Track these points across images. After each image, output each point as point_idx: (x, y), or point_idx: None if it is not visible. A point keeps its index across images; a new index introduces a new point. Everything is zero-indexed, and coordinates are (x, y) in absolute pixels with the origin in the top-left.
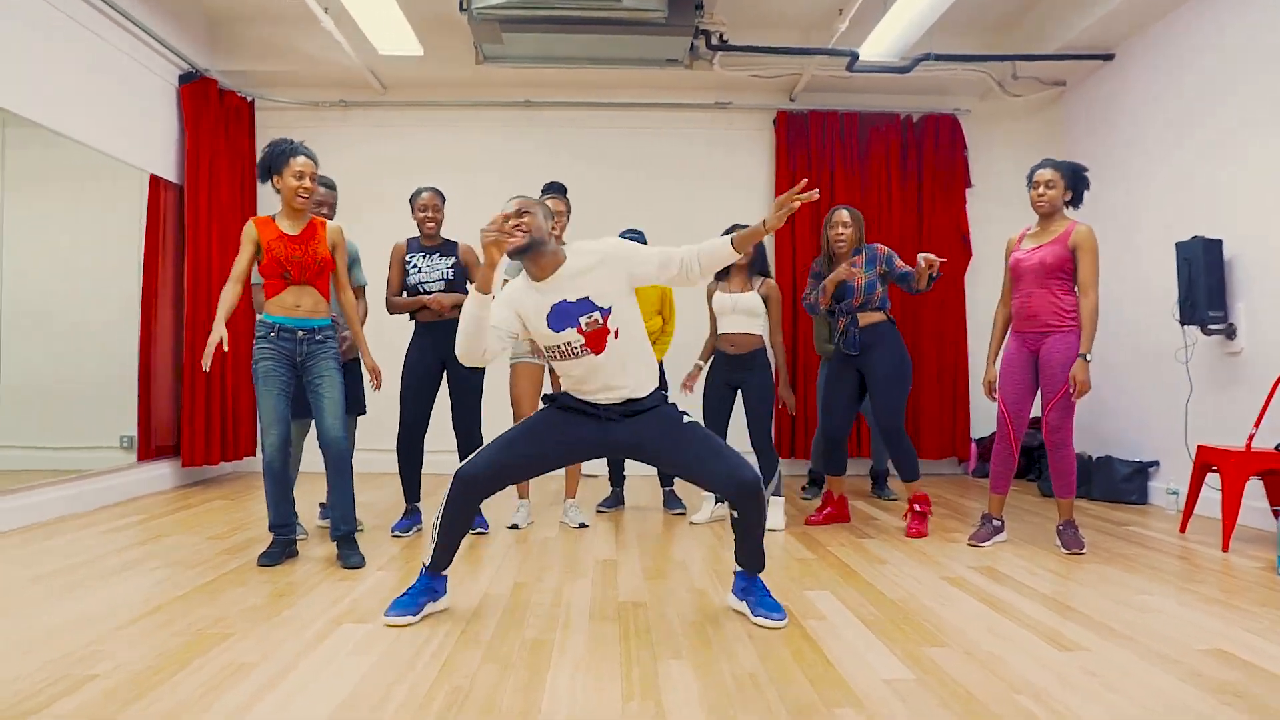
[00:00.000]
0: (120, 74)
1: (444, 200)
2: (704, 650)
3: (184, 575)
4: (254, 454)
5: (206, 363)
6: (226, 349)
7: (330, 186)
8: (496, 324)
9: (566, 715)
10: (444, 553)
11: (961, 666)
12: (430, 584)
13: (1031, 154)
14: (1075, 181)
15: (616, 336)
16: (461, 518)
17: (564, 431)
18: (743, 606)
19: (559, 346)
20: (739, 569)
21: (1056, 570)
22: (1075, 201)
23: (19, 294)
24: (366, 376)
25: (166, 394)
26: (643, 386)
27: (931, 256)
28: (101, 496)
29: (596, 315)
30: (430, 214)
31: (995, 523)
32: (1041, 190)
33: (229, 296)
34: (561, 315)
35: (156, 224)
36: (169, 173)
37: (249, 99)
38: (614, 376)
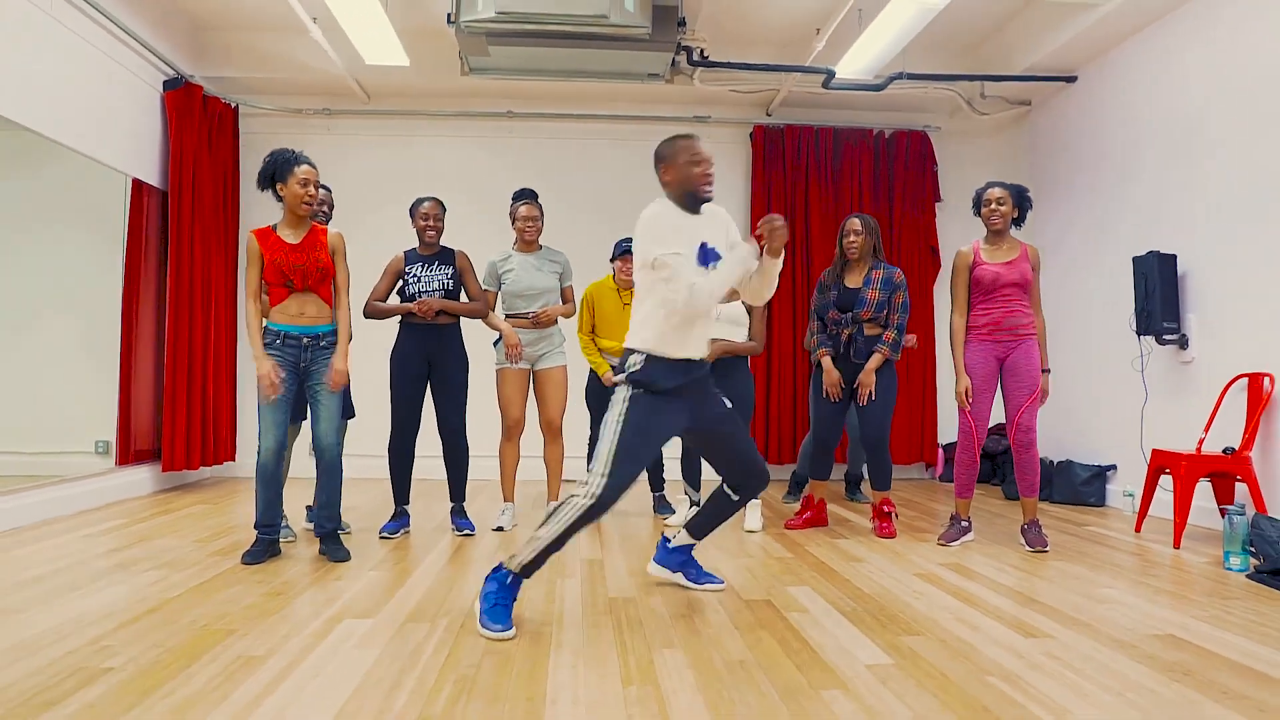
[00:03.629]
0: (104, 79)
1: (445, 210)
2: (694, 640)
3: (176, 576)
4: (234, 458)
5: (271, 396)
6: (278, 376)
7: (326, 188)
8: (684, 251)
9: (570, 700)
10: (544, 563)
11: (936, 653)
12: (516, 589)
13: (998, 170)
14: (1020, 201)
15: None
16: (580, 531)
17: (665, 420)
18: (677, 577)
19: None
20: (684, 541)
21: (1021, 567)
22: (1019, 220)
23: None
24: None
25: (147, 398)
26: (707, 346)
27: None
28: (80, 501)
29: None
30: (431, 223)
31: (963, 523)
32: (994, 207)
33: (253, 318)
34: (705, 254)
35: (139, 228)
36: (152, 178)
37: (233, 105)
38: (703, 328)
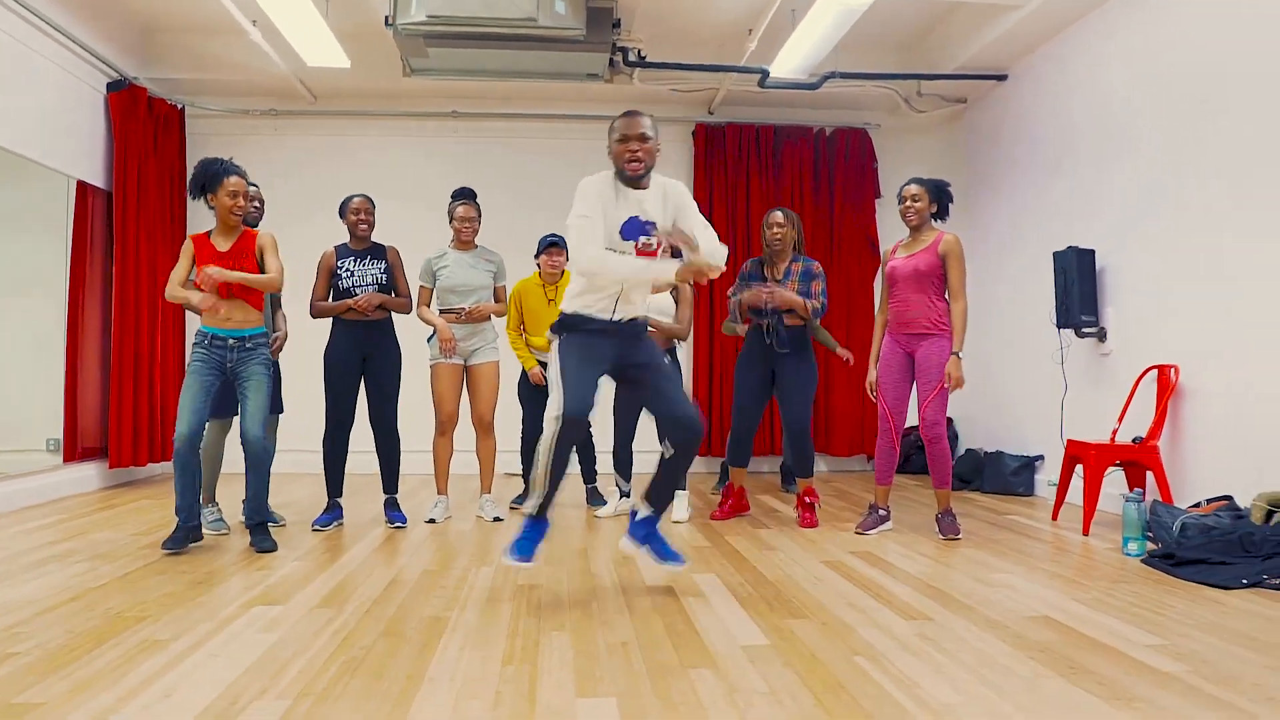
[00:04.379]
0: (46, 81)
1: (374, 206)
2: (585, 622)
3: (105, 567)
4: None
5: (207, 301)
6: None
7: (254, 185)
8: (591, 214)
9: (449, 678)
10: (551, 498)
11: (814, 635)
12: (541, 527)
13: (936, 167)
14: (939, 195)
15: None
16: (567, 456)
17: (595, 349)
18: (643, 551)
19: (613, 250)
20: (645, 512)
21: (930, 554)
22: (941, 214)
23: None
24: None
25: (94, 396)
26: (641, 309)
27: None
28: (26, 498)
29: (654, 240)
30: (363, 217)
31: (881, 512)
32: (908, 204)
33: (173, 297)
34: (632, 226)
35: (84, 230)
36: (96, 179)
37: (179, 106)
38: (639, 295)
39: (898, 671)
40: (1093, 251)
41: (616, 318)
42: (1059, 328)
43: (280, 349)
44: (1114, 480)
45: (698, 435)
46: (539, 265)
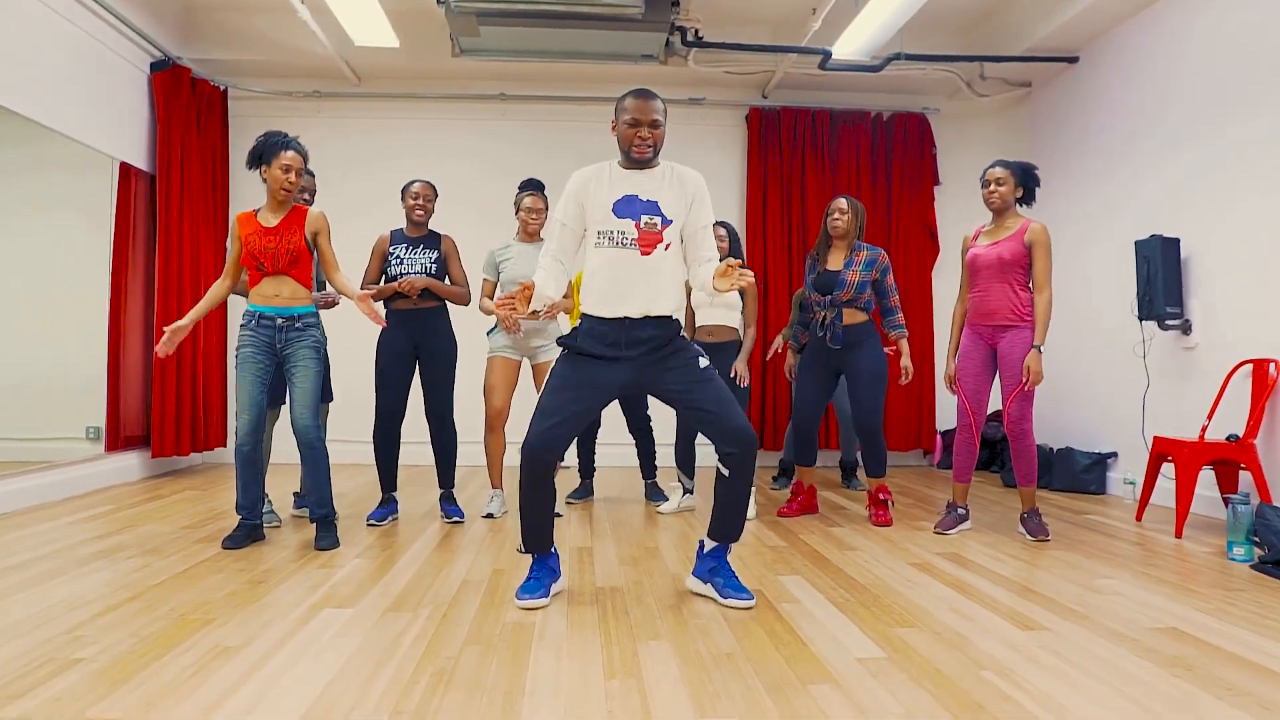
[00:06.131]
0: (90, 60)
1: (436, 194)
2: (681, 631)
3: (160, 563)
4: (225, 444)
5: (163, 349)
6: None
7: (311, 174)
8: (565, 221)
9: (551, 691)
10: (536, 534)
11: (930, 645)
12: (547, 564)
13: (999, 153)
14: (1025, 179)
15: (666, 250)
16: (541, 492)
17: (593, 378)
18: (708, 589)
19: (611, 232)
20: (711, 545)
21: (1020, 556)
22: (1027, 199)
23: None
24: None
25: (136, 384)
26: (662, 307)
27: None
28: (68, 488)
29: (658, 220)
30: (421, 203)
31: (960, 511)
32: (992, 188)
33: (213, 291)
34: (628, 205)
35: (127, 212)
36: (140, 161)
37: (222, 88)
38: (645, 286)
39: (1034, 689)
40: (1178, 240)
41: (630, 314)
42: (1141, 320)
43: (326, 305)
44: (1204, 480)
45: (747, 448)
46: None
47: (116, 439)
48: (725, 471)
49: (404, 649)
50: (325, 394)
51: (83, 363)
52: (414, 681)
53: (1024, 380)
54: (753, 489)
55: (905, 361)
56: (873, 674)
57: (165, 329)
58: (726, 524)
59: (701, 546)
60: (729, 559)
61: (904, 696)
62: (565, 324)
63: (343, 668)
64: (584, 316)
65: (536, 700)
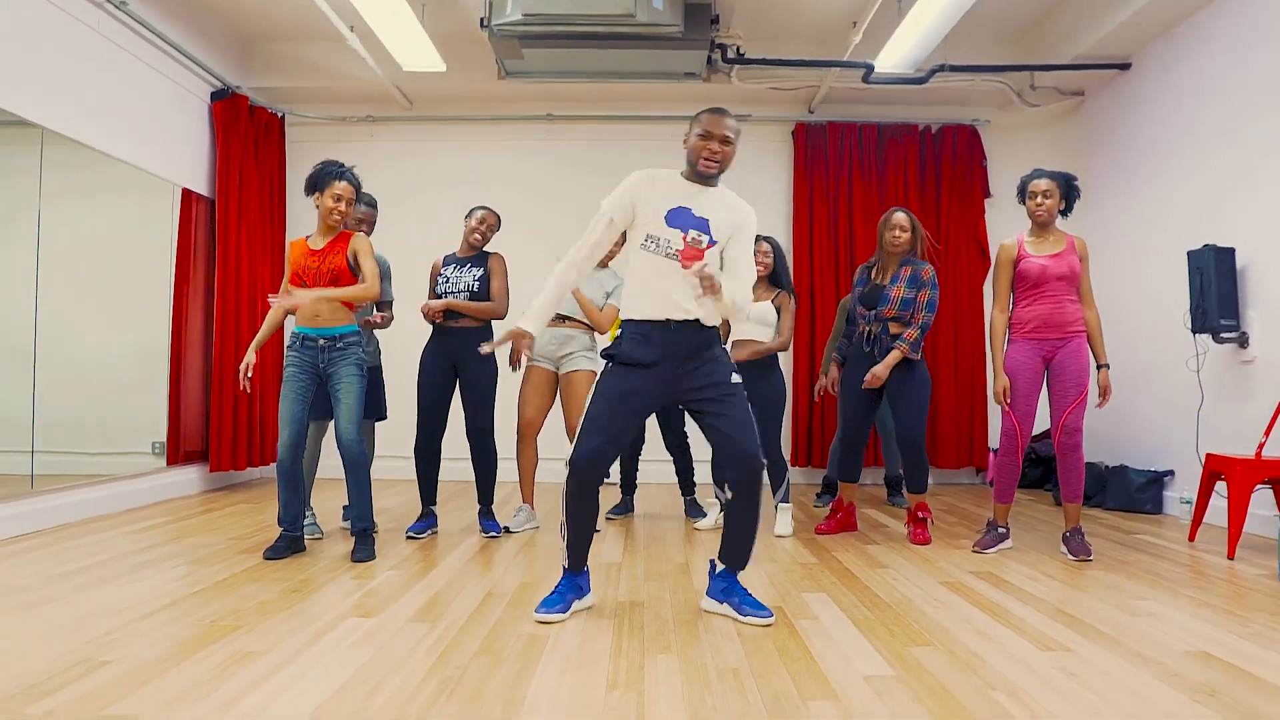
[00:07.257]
0: (154, 91)
1: (499, 223)
2: (692, 645)
3: (203, 572)
4: None
5: (245, 385)
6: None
7: (371, 205)
8: (614, 216)
9: (550, 704)
10: (578, 549)
11: (943, 665)
12: (575, 582)
13: (1051, 164)
14: (1068, 191)
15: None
16: (586, 508)
17: (636, 388)
18: (725, 609)
19: (658, 239)
20: (720, 568)
21: (1059, 577)
22: (1066, 210)
23: (57, 304)
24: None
25: (196, 401)
26: (708, 317)
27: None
28: (129, 500)
29: (705, 239)
30: (483, 229)
31: (1000, 530)
32: (1040, 200)
33: (270, 316)
34: (680, 217)
35: (188, 236)
36: (200, 186)
37: (279, 114)
38: (682, 296)
39: (1042, 710)
40: (1233, 250)
41: (673, 317)
42: (1194, 333)
43: (376, 325)
44: (1260, 500)
45: (755, 474)
46: None
47: (177, 453)
48: (729, 495)
49: (417, 658)
50: (380, 412)
51: (148, 380)
52: (419, 690)
53: (1100, 399)
54: (789, 506)
55: (879, 367)
56: (876, 692)
57: (240, 372)
58: (733, 551)
59: (713, 567)
60: (740, 577)
61: (901, 714)
62: (601, 338)
63: (353, 675)
64: (625, 322)
65: (533, 712)
